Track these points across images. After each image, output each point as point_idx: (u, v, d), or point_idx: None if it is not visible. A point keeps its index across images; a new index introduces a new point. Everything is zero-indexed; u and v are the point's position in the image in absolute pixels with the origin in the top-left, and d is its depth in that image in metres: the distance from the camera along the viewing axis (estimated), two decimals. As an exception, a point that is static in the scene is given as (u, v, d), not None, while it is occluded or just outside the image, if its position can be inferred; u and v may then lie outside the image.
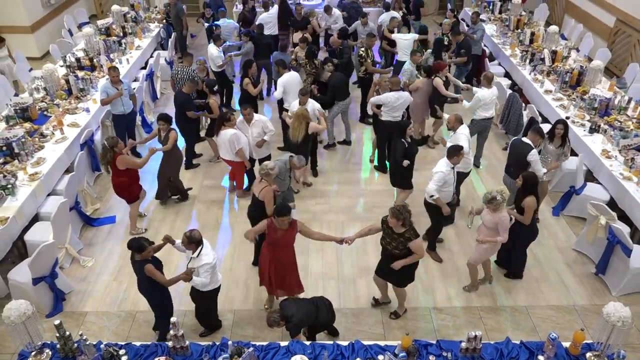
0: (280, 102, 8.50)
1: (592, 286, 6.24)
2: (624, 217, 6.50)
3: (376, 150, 8.39)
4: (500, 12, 12.84)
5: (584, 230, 6.66)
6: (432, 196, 6.03)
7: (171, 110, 9.97)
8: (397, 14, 11.17)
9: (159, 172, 7.29)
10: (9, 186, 6.22)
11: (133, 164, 6.54)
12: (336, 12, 11.41)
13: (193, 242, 4.82)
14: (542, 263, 6.58)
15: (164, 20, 12.23)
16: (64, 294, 5.96)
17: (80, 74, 9.16)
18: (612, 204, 6.71)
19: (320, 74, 8.58)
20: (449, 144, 6.42)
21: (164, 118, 6.97)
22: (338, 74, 8.41)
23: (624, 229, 5.98)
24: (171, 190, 7.55)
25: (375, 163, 8.40)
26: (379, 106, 7.74)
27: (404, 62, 9.09)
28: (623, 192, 6.62)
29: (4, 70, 8.55)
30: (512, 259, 6.21)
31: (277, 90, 8.22)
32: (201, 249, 4.87)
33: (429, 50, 9.81)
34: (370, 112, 8.35)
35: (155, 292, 5.02)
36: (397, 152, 6.69)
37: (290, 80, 8.11)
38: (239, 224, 7.20)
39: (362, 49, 9.16)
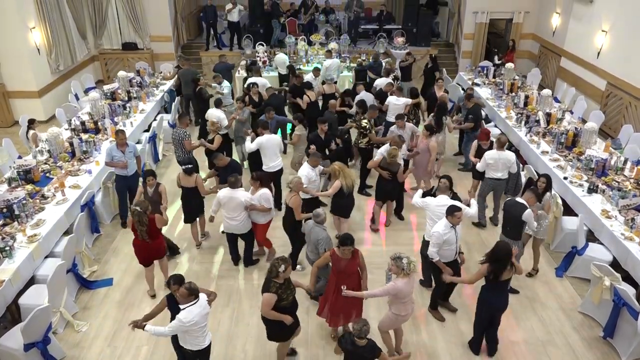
0: (258, 164, 8.55)
1: (601, 351, 6.06)
2: (628, 278, 6.40)
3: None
4: (494, 77, 13.26)
5: (589, 291, 6.55)
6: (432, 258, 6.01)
7: (173, 172, 10.14)
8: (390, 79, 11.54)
9: None
10: (7, 248, 6.17)
11: (164, 220, 6.67)
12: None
13: (192, 294, 4.78)
14: (547, 326, 6.42)
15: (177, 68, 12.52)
16: (56, 361, 5.77)
17: (84, 136, 9.33)
18: (615, 264, 6.64)
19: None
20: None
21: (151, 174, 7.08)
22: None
23: (629, 290, 5.88)
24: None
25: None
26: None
27: (393, 122, 9.40)
28: (625, 252, 6.57)
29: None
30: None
31: (252, 144, 8.33)
32: (189, 305, 4.77)
33: (432, 115, 9.89)
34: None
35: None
36: None
37: (266, 143, 8.27)
38: (239, 284, 7.09)
39: (365, 120, 9.08)
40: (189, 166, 7.35)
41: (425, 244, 6.41)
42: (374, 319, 5.99)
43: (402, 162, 8.24)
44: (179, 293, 4.79)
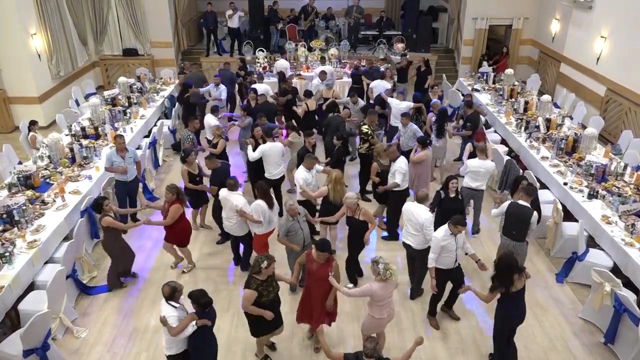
0: (260, 172, 8.52)
1: (602, 357, 6.04)
2: (629, 284, 6.39)
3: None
4: (494, 83, 13.29)
5: (590, 297, 6.54)
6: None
7: (173, 177, 10.16)
8: (389, 84, 11.57)
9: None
10: (7, 254, 6.16)
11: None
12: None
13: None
14: (548, 332, 6.41)
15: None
16: (55, 367, 5.75)
17: (85, 142, 9.34)
18: (615, 270, 6.62)
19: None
20: None
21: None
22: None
23: (630, 296, 5.86)
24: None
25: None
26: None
27: (397, 127, 9.39)
28: (626, 258, 6.56)
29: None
30: None
31: (255, 153, 8.29)
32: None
33: (433, 119, 9.79)
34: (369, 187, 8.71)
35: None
36: None
37: (269, 151, 8.24)
38: (239, 289, 7.07)
39: (366, 126, 9.00)
40: (182, 154, 7.96)
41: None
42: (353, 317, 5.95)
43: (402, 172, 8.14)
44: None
